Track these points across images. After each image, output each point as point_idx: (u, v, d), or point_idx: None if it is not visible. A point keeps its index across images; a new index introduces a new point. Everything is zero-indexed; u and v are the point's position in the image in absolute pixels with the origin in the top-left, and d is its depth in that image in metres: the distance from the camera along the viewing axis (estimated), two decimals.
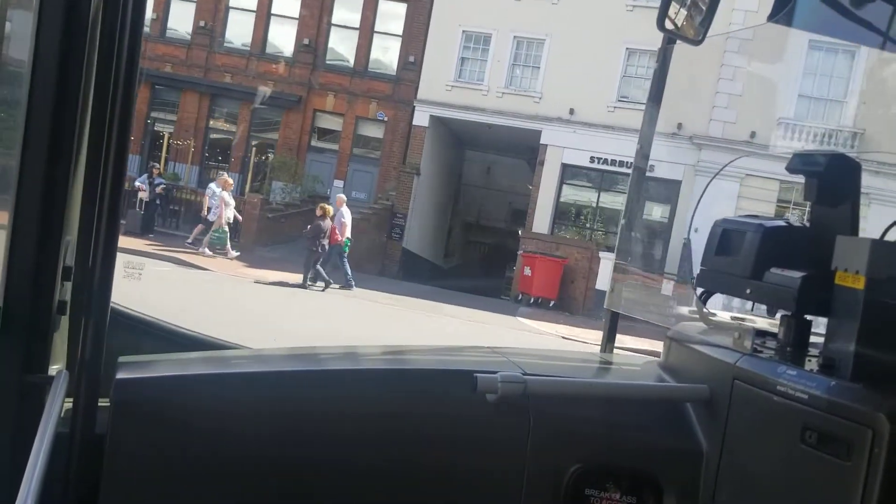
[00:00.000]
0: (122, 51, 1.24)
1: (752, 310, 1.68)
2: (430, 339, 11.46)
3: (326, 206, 16.07)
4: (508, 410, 1.41)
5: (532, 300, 18.94)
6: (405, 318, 13.49)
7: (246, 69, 24.18)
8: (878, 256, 1.14)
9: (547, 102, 21.62)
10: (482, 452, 1.43)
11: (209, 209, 17.07)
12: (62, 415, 1.25)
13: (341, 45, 24.31)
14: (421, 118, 23.03)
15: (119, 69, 1.24)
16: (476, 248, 30.52)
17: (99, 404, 1.29)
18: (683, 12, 1.96)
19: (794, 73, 18.23)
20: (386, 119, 23.58)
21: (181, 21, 24.80)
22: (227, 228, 17.40)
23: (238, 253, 17.45)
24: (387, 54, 24.01)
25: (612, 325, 2.20)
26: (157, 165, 21.18)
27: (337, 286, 15.36)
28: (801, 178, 1.44)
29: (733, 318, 1.65)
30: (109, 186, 1.24)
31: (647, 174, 2.42)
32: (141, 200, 18.66)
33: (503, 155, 25.84)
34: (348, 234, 16.59)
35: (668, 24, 1.94)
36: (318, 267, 15.19)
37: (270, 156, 24.51)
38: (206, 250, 16.86)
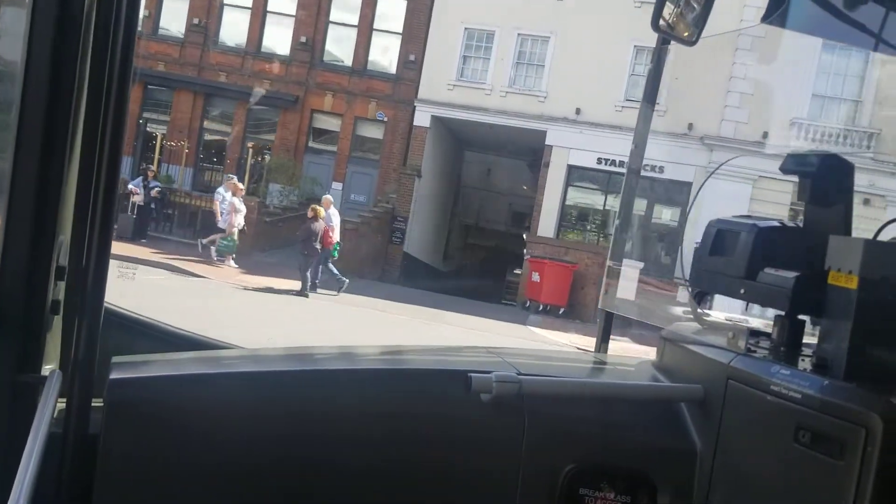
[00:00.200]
0: (115, 49, 1.25)
1: (746, 309, 1.72)
2: None
3: (318, 207, 15.39)
4: (503, 410, 1.42)
5: (541, 307, 18.44)
6: (407, 325, 13.18)
7: (241, 68, 23.45)
8: (870, 256, 1.15)
9: (552, 102, 21.06)
10: (477, 452, 1.44)
11: (222, 214, 16.50)
12: (55, 415, 1.27)
13: (339, 44, 23.59)
14: (422, 118, 22.40)
15: (113, 68, 1.25)
16: (475, 251, 30.16)
17: (92, 404, 1.30)
18: (678, 12, 2.00)
19: (808, 71, 17.82)
20: (386, 119, 22.91)
21: (174, 18, 24.06)
22: (236, 237, 16.81)
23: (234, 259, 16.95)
24: (386, 53, 23.33)
25: (607, 326, 2.27)
26: (152, 168, 20.68)
27: (329, 291, 15.03)
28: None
29: (727, 319, 1.70)
30: (103, 186, 1.25)
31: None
32: (133, 204, 18.07)
33: (503, 156, 25.40)
34: (337, 237, 15.96)
35: (663, 25, 1.97)
36: (325, 266, 14.84)
37: (267, 157, 23.80)
38: (216, 258, 16.43)
